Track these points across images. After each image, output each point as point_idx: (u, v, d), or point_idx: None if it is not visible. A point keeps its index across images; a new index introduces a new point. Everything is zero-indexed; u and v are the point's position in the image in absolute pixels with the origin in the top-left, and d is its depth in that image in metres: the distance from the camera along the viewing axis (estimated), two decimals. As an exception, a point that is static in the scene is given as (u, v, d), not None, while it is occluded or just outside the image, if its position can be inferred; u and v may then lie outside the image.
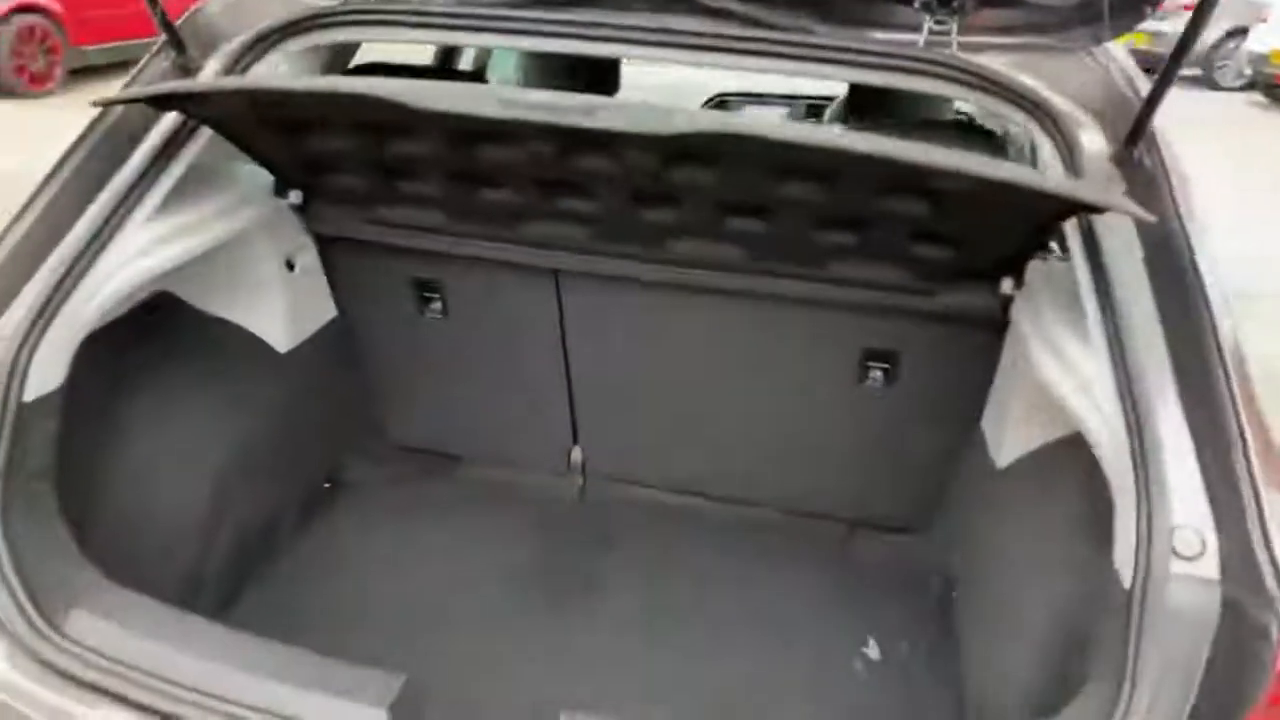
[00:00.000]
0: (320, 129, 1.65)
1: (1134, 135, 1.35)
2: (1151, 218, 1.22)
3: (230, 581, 1.87)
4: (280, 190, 1.86)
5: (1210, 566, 1.12)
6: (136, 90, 1.51)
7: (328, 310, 2.12)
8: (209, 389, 1.86)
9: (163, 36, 1.63)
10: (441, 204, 1.82)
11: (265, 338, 1.97)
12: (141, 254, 1.55)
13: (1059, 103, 1.42)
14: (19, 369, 1.39)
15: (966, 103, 1.60)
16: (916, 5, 1.46)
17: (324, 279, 2.08)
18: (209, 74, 1.63)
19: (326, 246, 2.04)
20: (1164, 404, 1.20)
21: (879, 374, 1.92)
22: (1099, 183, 1.31)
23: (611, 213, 1.71)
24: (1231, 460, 1.15)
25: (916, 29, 1.48)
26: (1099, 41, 1.45)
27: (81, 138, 1.57)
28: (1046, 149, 1.43)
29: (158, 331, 1.83)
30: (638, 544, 2.15)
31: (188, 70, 1.67)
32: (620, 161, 1.49)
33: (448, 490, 2.30)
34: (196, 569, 1.79)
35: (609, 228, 1.78)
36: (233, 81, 1.50)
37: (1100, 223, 1.35)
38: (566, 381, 2.16)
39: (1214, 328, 1.23)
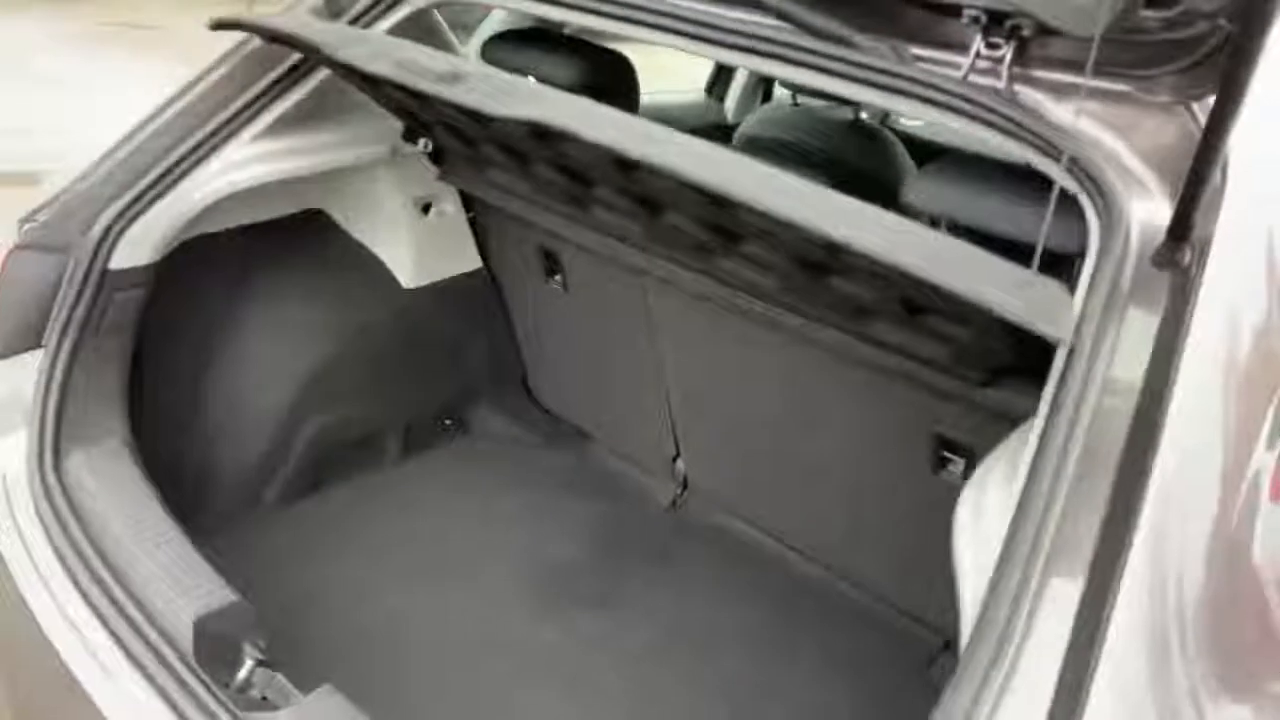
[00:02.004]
0: (424, 100, 1.70)
1: (1174, 231, 0.97)
2: (1060, 339, 0.88)
3: (304, 479, 2.05)
4: (409, 136, 1.96)
5: None
6: (237, 15, 1.67)
7: (468, 260, 2.21)
8: (325, 302, 2.03)
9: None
10: (555, 186, 1.81)
11: (394, 271, 2.11)
12: (237, 167, 1.73)
13: (1112, 175, 1.06)
14: (108, 242, 1.62)
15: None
16: (966, 20, 1.15)
17: (464, 228, 2.17)
18: (336, 24, 1.75)
19: (470, 199, 2.13)
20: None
21: (957, 468, 1.60)
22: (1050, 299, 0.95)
23: (684, 231, 1.59)
24: None
25: (965, 49, 1.18)
26: (1194, 96, 1.05)
27: (224, 56, 1.77)
28: (1093, 229, 1.08)
29: (307, 244, 2.03)
30: (693, 569, 2.02)
31: (337, 14, 1.81)
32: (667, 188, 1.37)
33: (550, 461, 2.31)
34: (267, 461, 1.99)
35: (690, 246, 1.66)
36: (309, 33, 1.59)
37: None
38: (664, 391, 2.08)
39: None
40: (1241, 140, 1.01)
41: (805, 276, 1.42)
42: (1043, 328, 0.90)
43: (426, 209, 2.09)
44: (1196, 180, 0.92)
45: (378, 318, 2.10)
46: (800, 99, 2.76)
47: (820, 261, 1.34)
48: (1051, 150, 1.09)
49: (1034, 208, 1.19)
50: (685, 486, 2.22)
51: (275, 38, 1.57)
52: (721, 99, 3.13)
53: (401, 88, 1.38)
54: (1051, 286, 0.94)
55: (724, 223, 1.38)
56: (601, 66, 1.78)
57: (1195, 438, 0.91)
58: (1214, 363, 0.94)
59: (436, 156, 2.00)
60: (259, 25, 1.54)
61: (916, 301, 1.28)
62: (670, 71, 3.22)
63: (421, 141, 1.96)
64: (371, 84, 1.67)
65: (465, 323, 2.26)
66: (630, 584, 1.97)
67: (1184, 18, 0.96)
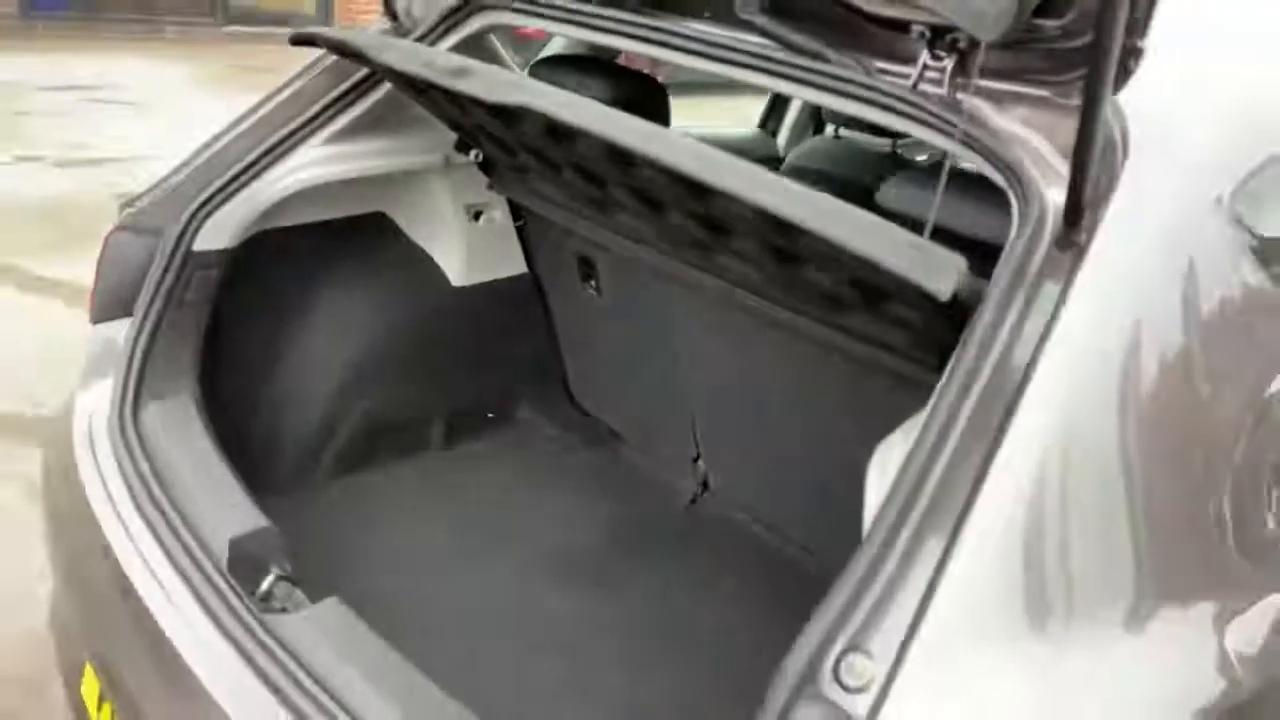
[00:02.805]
0: (464, 108, 1.91)
1: (1068, 216, 1.10)
2: (942, 295, 1.01)
3: (355, 455, 2.26)
4: (461, 146, 2.17)
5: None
6: (311, 31, 1.90)
7: (515, 265, 2.42)
8: (381, 294, 2.25)
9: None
10: (581, 192, 2.00)
11: (446, 270, 2.32)
12: (306, 167, 1.95)
13: (1031, 167, 1.19)
14: (193, 226, 1.86)
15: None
16: (914, 34, 1.30)
17: (511, 235, 2.38)
18: (397, 41, 1.99)
19: (517, 208, 2.33)
20: None
21: None
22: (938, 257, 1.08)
23: (684, 229, 1.75)
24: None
25: (915, 61, 1.32)
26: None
27: (304, 69, 2.02)
28: (1014, 217, 1.21)
29: (369, 242, 2.27)
30: (705, 562, 2.15)
31: (403, 36, 2.04)
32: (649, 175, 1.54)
33: (584, 458, 2.47)
34: (321, 436, 2.21)
35: (691, 242, 1.81)
36: (360, 40, 1.79)
37: None
38: (685, 392, 2.22)
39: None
40: (1137, 129, 1.14)
41: (778, 265, 1.56)
42: (921, 279, 1.03)
43: (478, 216, 2.30)
44: (1079, 167, 1.04)
45: (428, 311, 2.31)
46: (843, 132, 2.91)
47: (783, 248, 1.48)
48: (980, 148, 1.22)
49: (974, 204, 1.32)
50: (705, 486, 2.35)
51: (335, 47, 1.80)
52: (774, 133, 3.31)
53: (430, 86, 1.58)
54: (942, 252, 1.06)
55: (709, 212, 1.54)
56: (630, 87, 1.97)
57: (1050, 408, 1.02)
58: (1081, 337, 1.05)
59: (486, 167, 2.21)
60: (326, 37, 1.78)
61: (861, 279, 1.41)
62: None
63: (472, 152, 2.17)
64: (422, 94, 1.89)
65: (510, 323, 2.46)
66: (641, 573, 2.11)
67: (1076, 25, 1.09)
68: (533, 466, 2.42)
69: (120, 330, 1.83)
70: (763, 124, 3.31)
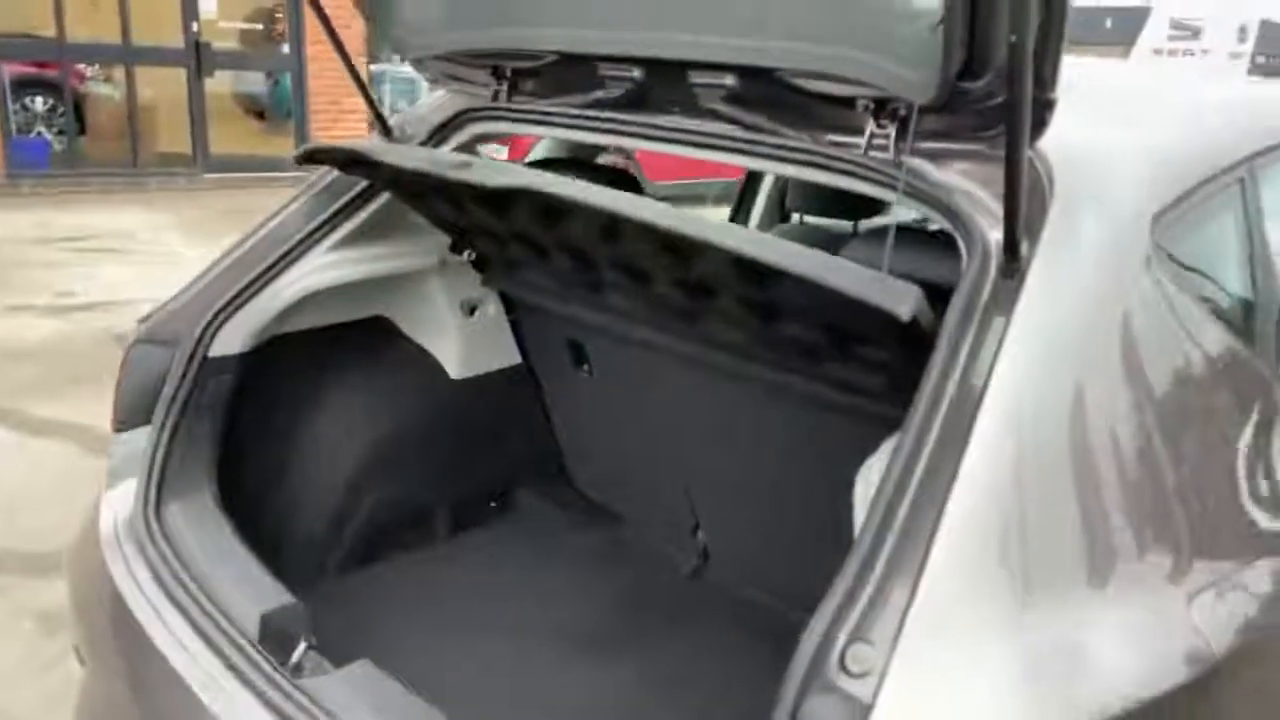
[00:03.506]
0: (460, 206, 2.07)
1: (1008, 248, 1.25)
2: (903, 316, 1.15)
3: (364, 550, 2.34)
4: (455, 248, 2.33)
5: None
6: (314, 146, 2.06)
7: (509, 355, 2.55)
8: (384, 392, 2.37)
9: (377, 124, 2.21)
10: (570, 276, 2.14)
11: (444, 364, 2.45)
12: (315, 273, 2.09)
13: (975, 214, 1.34)
14: (209, 332, 1.98)
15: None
16: (859, 108, 1.47)
17: (505, 328, 2.52)
18: (398, 146, 2.15)
19: (510, 302, 2.48)
20: None
21: None
22: (889, 284, 1.22)
23: (667, 299, 1.90)
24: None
25: (863, 131, 1.49)
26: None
27: (309, 185, 2.19)
28: (963, 258, 1.35)
29: (369, 344, 2.40)
30: (708, 629, 2.22)
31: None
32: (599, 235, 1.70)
33: (585, 539, 2.56)
34: (331, 531, 2.29)
35: (676, 311, 1.95)
36: (363, 147, 1.96)
37: None
38: (679, 464, 2.33)
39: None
40: (1060, 170, 1.30)
41: (758, 322, 1.70)
42: (882, 302, 1.17)
43: (472, 311, 2.44)
44: (1010, 208, 1.20)
45: (429, 405, 2.43)
46: (807, 219, 3.11)
47: (760, 302, 1.62)
48: (926, 198, 1.38)
49: (928, 255, 1.48)
50: (705, 556, 2.44)
51: (341, 158, 1.96)
52: (745, 223, 3.51)
53: (429, 185, 1.73)
54: (900, 282, 1.20)
55: (690, 275, 1.68)
56: (606, 179, 2.15)
57: (1007, 414, 1.15)
58: (1026, 351, 1.19)
59: (480, 265, 2.37)
60: (331, 150, 1.94)
61: (833, 324, 1.55)
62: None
63: (466, 253, 2.33)
64: (419, 199, 2.06)
65: (507, 412, 2.57)
66: (645, 638, 2.18)
67: (993, 85, 1.26)
68: (535, 551, 2.50)
69: (141, 437, 1.94)
70: (733, 216, 3.51)
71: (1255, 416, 1.46)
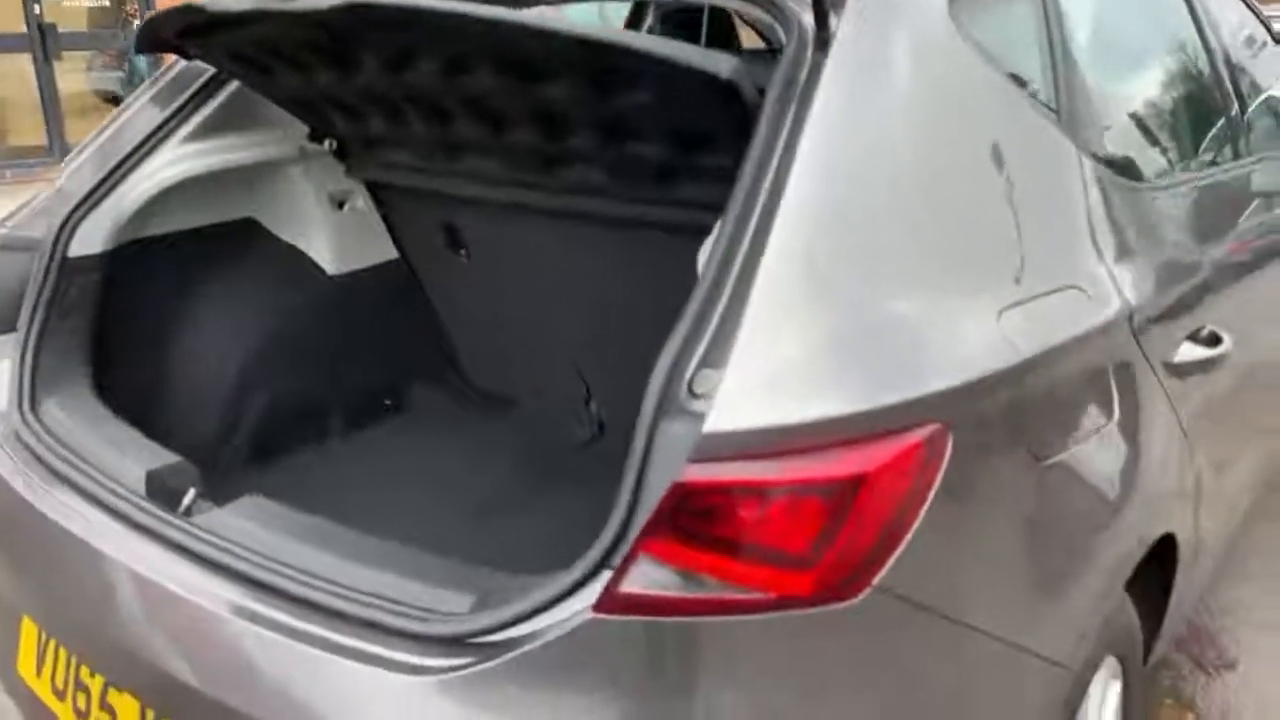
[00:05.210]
0: (307, 73, 2.04)
1: (818, 21, 1.33)
2: (722, 75, 1.23)
3: (252, 454, 2.33)
4: (314, 136, 2.33)
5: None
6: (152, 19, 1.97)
7: (385, 251, 2.56)
8: (260, 292, 2.36)
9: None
10: (428, 141, 2.14)
11: (320, 263, 2.45)
12: (168, 166, 2.07)
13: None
14: (66, 232, 1.94)
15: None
16: None
17: (377, 222, 2.53)
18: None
19: (377, 191, 2.49)
20: None
21: None
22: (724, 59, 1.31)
23: (519, 145, 1.94)
24: None
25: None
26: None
27: (152, 82, 2.16)
28: (782, 40, 1.43)
29: (242, 246, 2.38)
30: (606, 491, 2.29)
31: None
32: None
33: (484, 427, 2.60)
34: (219, 434, 2.28)
35: (530, 156, 1.99)
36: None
37: None
38: (562, 335, 2.38)
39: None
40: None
41: (612, 150, 1.75)
42: (703, 64, 1.25)
43: (341, 205, 2.44)
44: None
45: (308, 302, 2.42)
46: None
47: (607, 120, 1.67)
48: None
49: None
50: (601, 427, 2.50)
51: (175, 21, 1.85)
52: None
53: (258, 20, 1.68)
54: (722, 54, 1.29)
55: (540, 103, 1.71)
56: None
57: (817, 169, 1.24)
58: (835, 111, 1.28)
59: (341, 155, 2.37)
60: (166, 15, 1.84)
61: (678, 129, 1.62)
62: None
63: (326, 141, 2.33)
64: (266, 80, 2.05)
65: (392, 308, 2.59)
66: (546, 500, 2.22)
67: None
68: (432, 441, 2.52)
69: (6, 344, 1.91)
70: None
71: (1057, 173, 1.59)
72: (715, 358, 1.14)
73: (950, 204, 1.34)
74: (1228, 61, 2.59)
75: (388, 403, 2.65)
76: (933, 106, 1.39)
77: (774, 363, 1.13)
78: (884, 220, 1.26)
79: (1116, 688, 1.77)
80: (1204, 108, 2.53)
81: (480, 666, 1.16)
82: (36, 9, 10.08)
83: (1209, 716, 2.46)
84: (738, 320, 1.15)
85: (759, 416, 1.10)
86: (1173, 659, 2.64)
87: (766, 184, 1.24)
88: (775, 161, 1.25)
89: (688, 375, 1.14)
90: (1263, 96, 2.72)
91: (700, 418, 1.10)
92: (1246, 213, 2.41)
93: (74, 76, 10.92)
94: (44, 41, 10.03)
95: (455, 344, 2.72)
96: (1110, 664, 1.69)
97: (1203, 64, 2.51)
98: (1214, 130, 2.53)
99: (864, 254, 1.24)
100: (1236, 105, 2.61)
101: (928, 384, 1.17)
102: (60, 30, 10.27)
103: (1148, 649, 1.98)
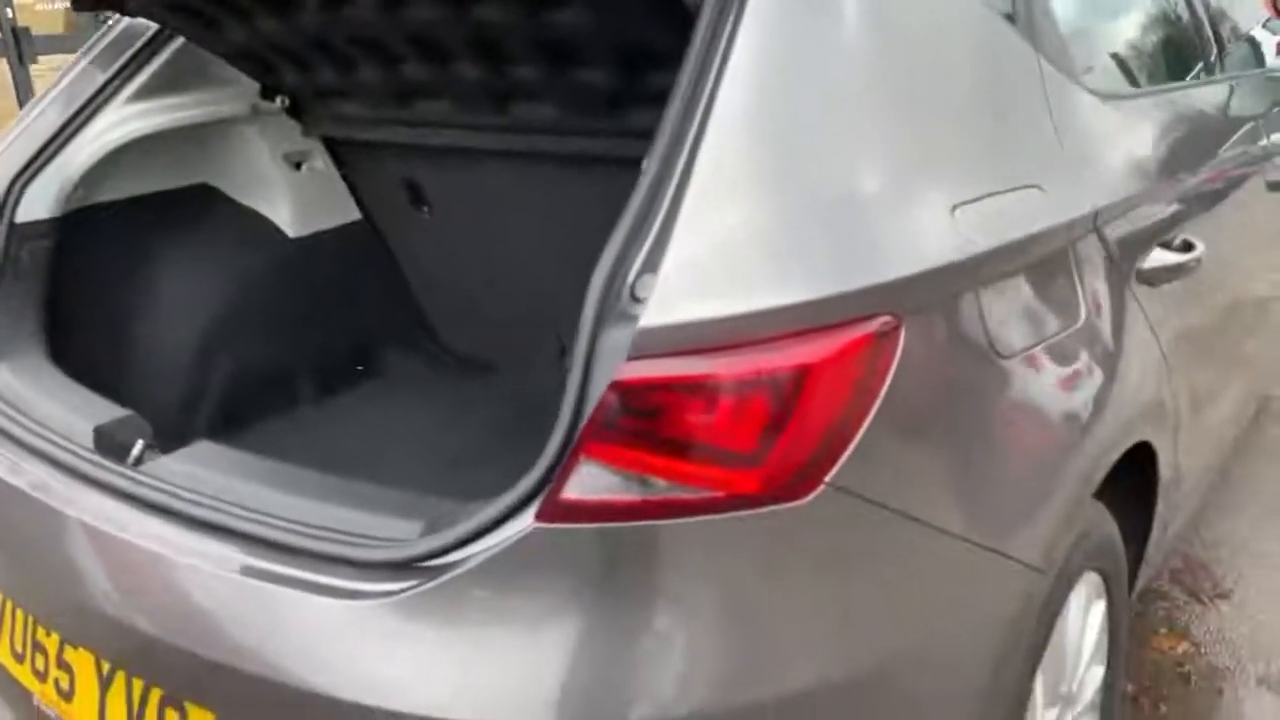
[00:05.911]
0: (236, 17, 1.94)
1: None
2: None
3: (221, 422, 2.28)
4: (265, 93, 2.28)
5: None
6: None
7: (347, 211, 2.51)
8: (221, 256, 2.31)
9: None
10: (378, 88, 2.09)
11: (281, 226, 2.40)
12: (114, 127, 2.02)
13: None
14: (13, 197, 1.90)
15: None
16: None
17: (337, 181, 2.48)
18: None
19: (337, 150, 2.44)
20: None
21: None
22: None
23: (468, 82, 1.89)
24: None
25: None
26: None
27: (92, 45, 2.11)
28: None
29: (200, 212, 2.33)
30: None
31: None
32: None
33: (458, 389, 2.55)
34: (185, 404, 2.23)
35: (487, 97, 1.94)
36: None
37: None
38: (535, 284, 2.33)
39: None
40: None
41: (560, 80, 1.71)
42: None
43: (299, 165, 2.39)
44: None
45: (271, 266, 2.37)
46: None
47: (550, 42, 1.62)
48: None
49: None
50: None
51: None
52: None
53: None
54: None
55: (484, 29, 1.67)
56: None
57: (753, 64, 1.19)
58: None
59: (295, 113, 2.32)
60: None
61: (621, 45, 1.57)
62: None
63: (279, 99, 2.28)
64: (209, 33, 2.00)
65: (358, 270, 2.54)
66: (523, 446, 2.19)
67: None
68: (405, 404, 2.48)
69: None
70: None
71: (1014, 76, 1.54)
72: (658, 261, 1.09)
73: (897, 99, 1.29)
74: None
75: (360, 368, 2.61)
76: (886, 2, 1.34)
77: (713, 254, 1.09)
78: (826, 114, 1.21)
79: (1101, 606, 1.73)
80: (1178, 26, 2.49)
81: (424, 587, 1.12)
82: (9, 13, 9.99)
83: (1203, 645, 2.43)
84: (677, 214, 1.10)
85: (697, 309, 1.05)
86: (1166, 590, 2.61)
87: (711, 75, 1.19)
88: (720, 53, 1.20)
89: (630, 279, 1.10)
90: (1231, 24, 2.70)
91: (635, 322, 1.06)
92: (1220, 130, 2.36)
93: (50, 81, 10.81)
94: (18, 46, 9.94)
95: (425, 306, 2.68)
96: (1092, 580, 1.65)
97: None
98: (1187, 49, 2.49)
99: (808, 147, 1.19)
100: (1209, 28, 2.57)
101: (879, 274, 1.12)
102: (35, 34, 10.18)
103: (1134, 574, 1.95)
